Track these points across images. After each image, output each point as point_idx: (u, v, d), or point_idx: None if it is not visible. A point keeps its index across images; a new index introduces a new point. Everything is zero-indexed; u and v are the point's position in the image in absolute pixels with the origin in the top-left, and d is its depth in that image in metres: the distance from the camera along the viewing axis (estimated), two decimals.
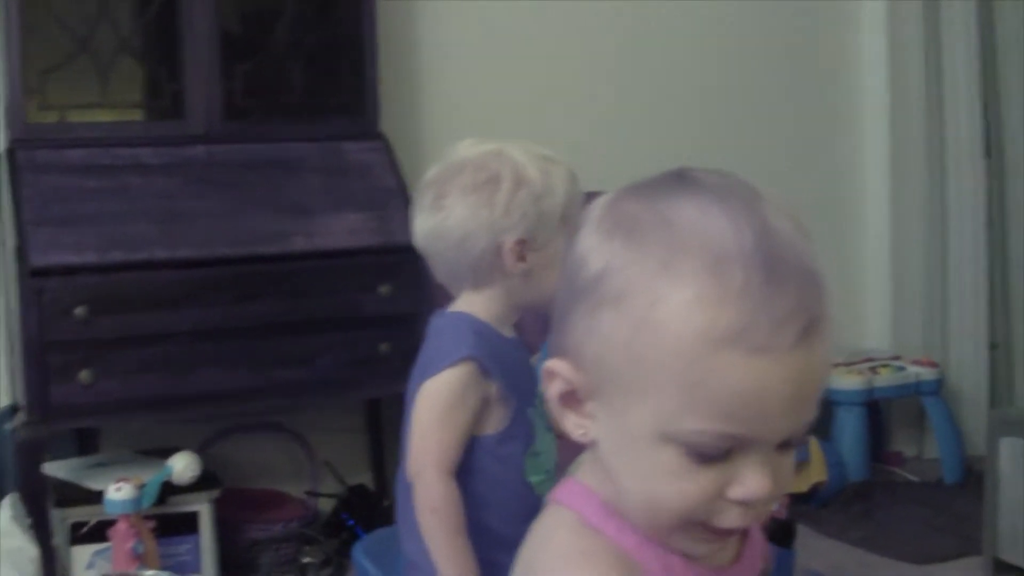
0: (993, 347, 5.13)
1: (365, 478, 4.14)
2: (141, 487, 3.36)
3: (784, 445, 1.06)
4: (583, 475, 1.16)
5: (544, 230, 2.14)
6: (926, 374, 4.75)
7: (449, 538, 2.10)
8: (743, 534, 1.18)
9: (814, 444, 4.31)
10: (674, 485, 1.04)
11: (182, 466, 3.49)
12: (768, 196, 1.06)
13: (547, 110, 4.51)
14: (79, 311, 3.32)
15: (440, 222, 2.14)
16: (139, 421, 3.65)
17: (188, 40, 3.71)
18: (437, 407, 2.12)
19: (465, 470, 2.13)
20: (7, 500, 3.48)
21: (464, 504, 2.11)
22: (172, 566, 3.53)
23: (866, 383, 4.61)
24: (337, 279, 3.61)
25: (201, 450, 3.79)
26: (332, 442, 4.20)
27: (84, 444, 3.90)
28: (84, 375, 3.34)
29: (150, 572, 3.24)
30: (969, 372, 5.05)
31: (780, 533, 3.04)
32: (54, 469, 3.64)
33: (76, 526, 3.50)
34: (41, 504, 3.43)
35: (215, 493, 3.64)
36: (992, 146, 5.10)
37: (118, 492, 3.31)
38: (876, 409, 4.90)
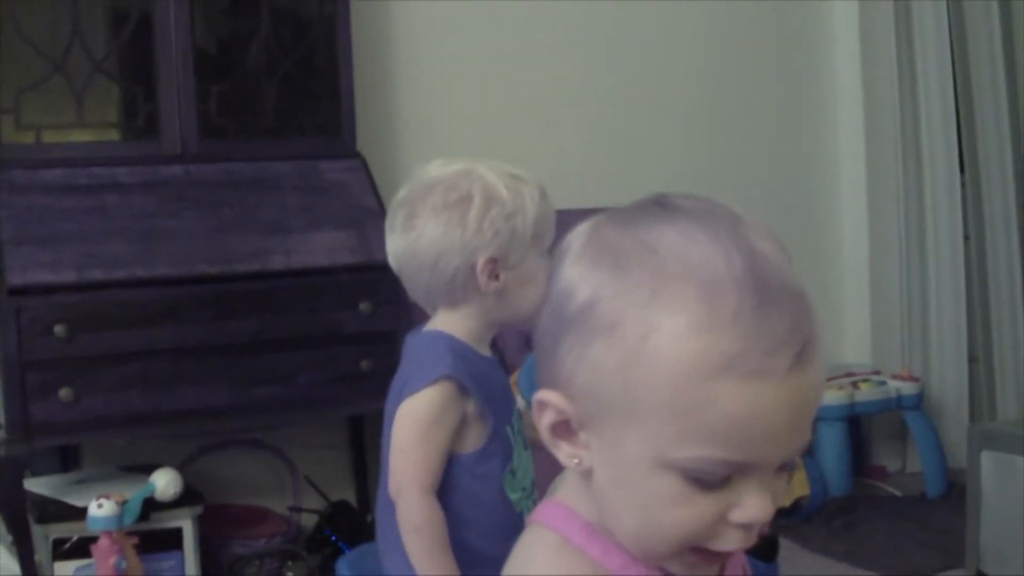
0: (973, 361, 5.14)
1: (348, 494, 4.14)
2: (123, 503, 3.36)
3: (781, 467, 1.06)
4: (565, 496, 1.16)
5: (516, 248, 2.14)
6: (907, 388, 4.76)
7: (433, 556, 2.10)
8: None
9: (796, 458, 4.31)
10: (673, 512, 1.04)
11: (164, 482, 3.49)
12: (748, 219, 1.05)
13: (524, 129, 4.53)
14: (58, 329, 3.31)
15: (412, 242, 2.14)
16: (120, 438, 3.64)
17: (163, 60, 3.71)
18: (417, 426, 2.12)
19: (444, 489, 2.13)
20: None
21: None
22: None
23: (847, 398, 4.62)
24: (317, 297, 3.61)
25: (183, 467, 3.79)
26: (314, 458, 4.20)
27: (66, 460, 3.89)
28: (64, 393, 3.33)
29: None
30: (950, 386, 5.07)
31: (763, 547, 3.05)
32: (36, 485, 3.63)
33: (58, 542, 3.49)
34: (23, 520, 3.42)
35: (198, 509, 3.64)
36: (967, 159, 5.12)
37: (100, 508, 3.31)
38: (857, 424, 4.91)
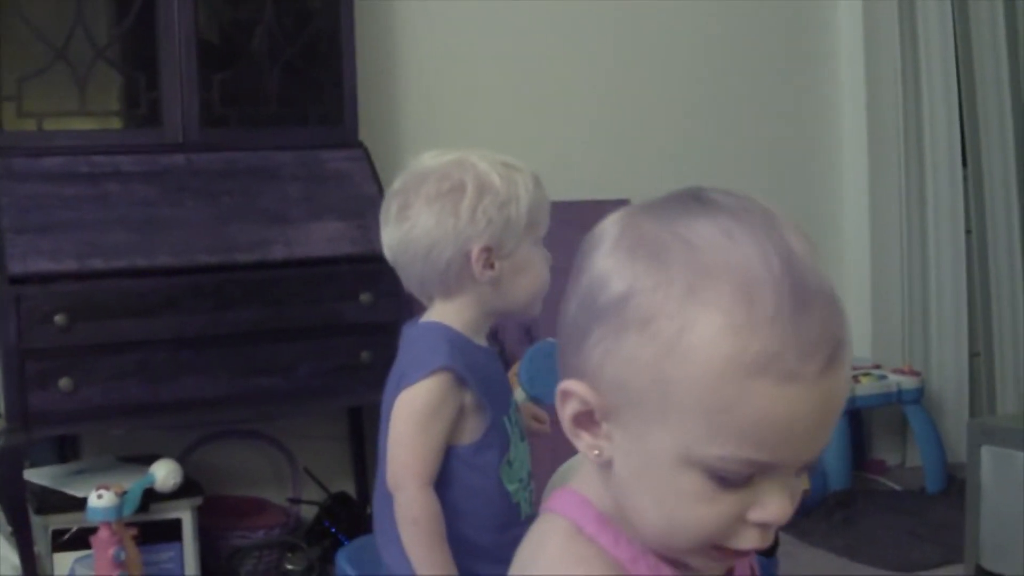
0: (974, 355, 5.14)
1: (347, 485, 4.13)
2: (123, 494, 3.36)
3: (801, 468, 1.06)
4: (579, 486, 1.15)
5: (510, 237, 2.14)
6: (907, 383, 4.75)
7: (431, 548, 2.10)
8: None
9: None
10: (694, 509, 1.04)
11: (164, 473, 3.49)
12: (781, 217, 1.05)
13: (527, 119, 4.52)
14: (59, 319, 3.31)
15: (406, 232, 2.14)
16: (119, 428, 3.64)
17: (166, 48, 3.70)
18: (415, 418, 2.12)
19: (441, 480, 2.14)
20: None
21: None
22: (155, 573, 3.54)
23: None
24: (317, 287, 3.61)
25: (182, 457, 3.79)
26: (314, 449, 4.19)
27: (65, 451, 3.89)
28: (64, 383, 3.33)
29: None
30: (950, 381, 5.07)
31: None
32: (35, 476, 3.63)
33: (58, 533, 3.48)
34: (22, 511, 3.42)
35: (197, 500, 3.63)
36: (970, 154, 5.12)
37: (100, 499, 3.30)
38: (858, 418, 4.90)
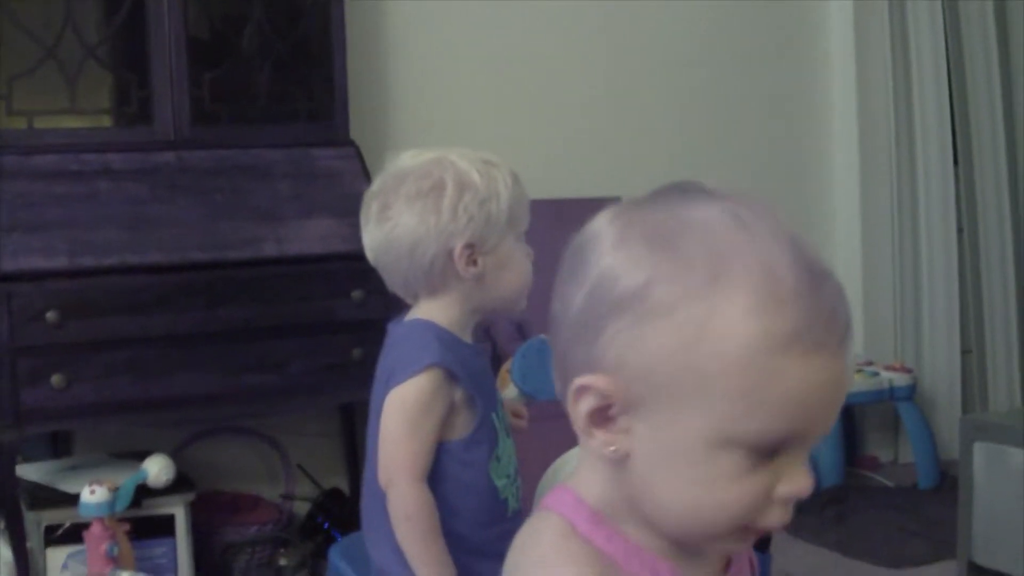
0: (966, 352, 5.15)
1: (340, 481, 4.14)
2: (116, 490, 3.36)
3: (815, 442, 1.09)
4: (574, 483, 1.16)
5: (492, 233, 2.14)
6: (899, 379, 4.76)
7: (426, 544, 2.11)
8: None
9: None
10: (728, 490, 1.05)
11: (157, 469, 3.49)
12: (770, 204, 1.08)
13: (518, 116, 4.52)
14: (50, 316, 3.31)
15: (388, 232, 2.15)
16: (112, 425, 3.64)
17: (156, 46, 3.70)
18: (406, 415, 2.12)
19: (432, 477, 2.14)
20: None
21: None
22: (147, 569, 3.53)
23: None
24: (309, 285, 3.61)
25: (175, 453, 3.79)
26: (307, 446, 4.20)
27: (58, 447, 3.89)
28: (56, 379, 3.33)
29: (125, 574, 3.24)
30: (942, 377, 5.08)
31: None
32: (28, 472, 3.63)
33: (50, 528, 3.48)
34: (15, 507, 3.42)
35: (190, 496, 3.63)
36: (961, 153, 5.12)
37: (92, 495, 3.30)
38: (850, 414, 4.91)
